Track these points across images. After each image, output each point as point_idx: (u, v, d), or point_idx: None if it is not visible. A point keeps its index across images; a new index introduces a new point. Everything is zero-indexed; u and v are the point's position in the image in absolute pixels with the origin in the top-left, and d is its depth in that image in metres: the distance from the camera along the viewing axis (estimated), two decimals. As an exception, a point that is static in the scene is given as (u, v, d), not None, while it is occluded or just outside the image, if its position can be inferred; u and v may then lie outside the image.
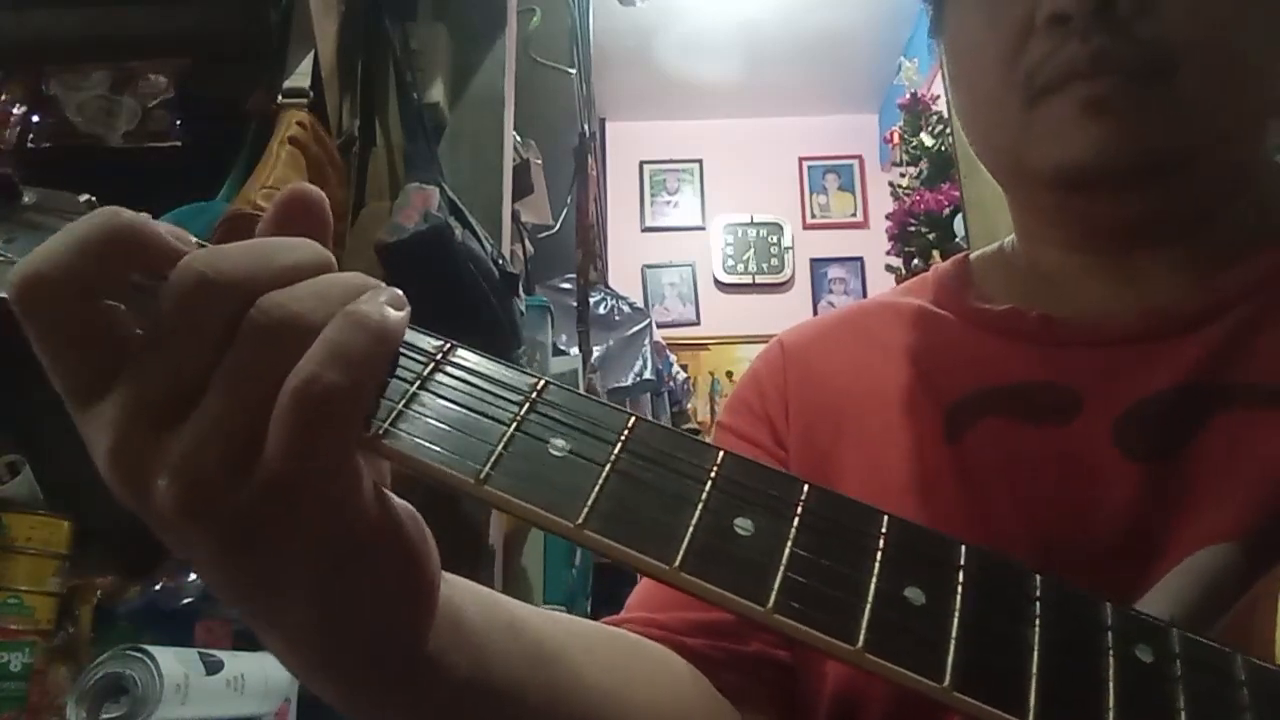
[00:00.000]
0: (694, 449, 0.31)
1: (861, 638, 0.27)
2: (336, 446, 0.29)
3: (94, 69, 1.44)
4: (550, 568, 1.88)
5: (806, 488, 0.30)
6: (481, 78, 1.62)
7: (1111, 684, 0.27)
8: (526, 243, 2.21)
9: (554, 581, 1.83)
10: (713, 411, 4.33)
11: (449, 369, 0.32)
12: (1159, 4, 0.48)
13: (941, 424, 0.54)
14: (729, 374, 4.41)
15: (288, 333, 0.29)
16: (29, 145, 1.44)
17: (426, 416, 0.31)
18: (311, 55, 1.31)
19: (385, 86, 1.44)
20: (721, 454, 0.31)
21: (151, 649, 0.84)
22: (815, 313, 4.51)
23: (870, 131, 4.56)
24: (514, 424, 0.31)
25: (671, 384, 3.62)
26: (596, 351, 3.10)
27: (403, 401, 0.31)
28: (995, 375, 0.55)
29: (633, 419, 0.31)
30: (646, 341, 3.39)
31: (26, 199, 0.37)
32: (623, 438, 0.31)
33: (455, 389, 0.32)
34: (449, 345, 0.33)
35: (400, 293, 0.32)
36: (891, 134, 3.52)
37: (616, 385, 3.20)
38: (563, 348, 2.63)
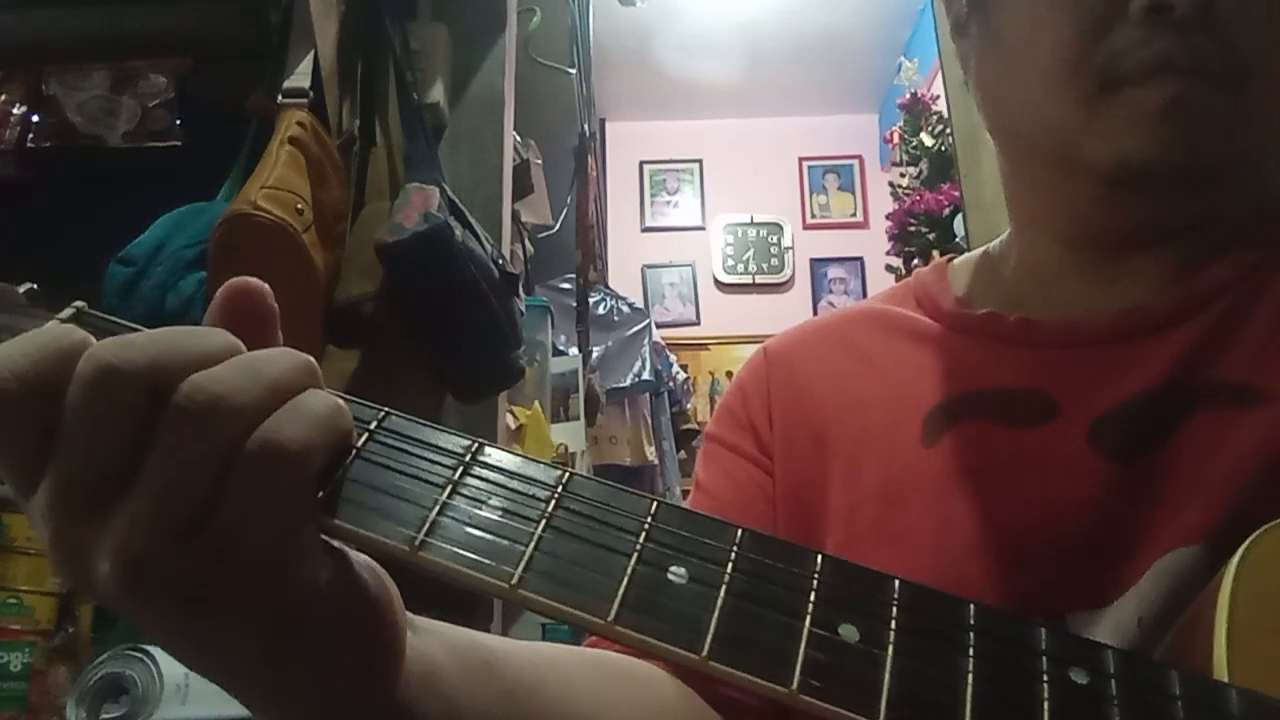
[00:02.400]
0: (628, 500, 0.32)
1: (796, 680, 0.27)
2: (293, 505, 0.30)
3: (94, 69, 1.44)
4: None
5: (740, 532, 0.31)
6: (481, 78, 1.62)
7: (1046, 708, 0.27)
8: (526, 243, 2.22)
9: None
10: (712, 411, 4.33)
11: (383, 437, 0.33)
12: (1254, 13, 0.47)
13: (919, 428, 0.55)
14: (729, 374, 4.40)
15: (217, 414, 0.30)
16: (29, 145, 1.44)
17: (360, 485, 0.31)
18: (311, 55, 1.31)
19: (385, 86, 1.44)
20: (655, 504, 0.31)
21: (151, 649, 0.84)
22: (815, 313, 4.51)
23: (870, 131, 4.56)
24: (448, 488, 0.31)
25: (671, 384, 3.62)
26: (596, 352, 3.10)
27: (338, 473, 0.32)
28: (973, 379, 0.55)
29: (567, 474, 0.32)
30: (646, 342, 3.39)
31: None
32: (556, 494, 0.31)
33: (389, 456, 0.32)
34: (384, 413, 0.34)
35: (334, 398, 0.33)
36: (891, 134, 3.52)
37: (616, 385, 3.21)
38: (561, 348, 2.63)
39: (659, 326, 3.76)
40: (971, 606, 0.29)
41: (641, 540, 0.30)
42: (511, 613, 1.66)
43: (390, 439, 0.33)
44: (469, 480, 0.32)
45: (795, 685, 0.27)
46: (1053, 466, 0.49)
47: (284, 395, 0.31)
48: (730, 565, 0.30)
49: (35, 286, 0.38)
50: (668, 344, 3.77)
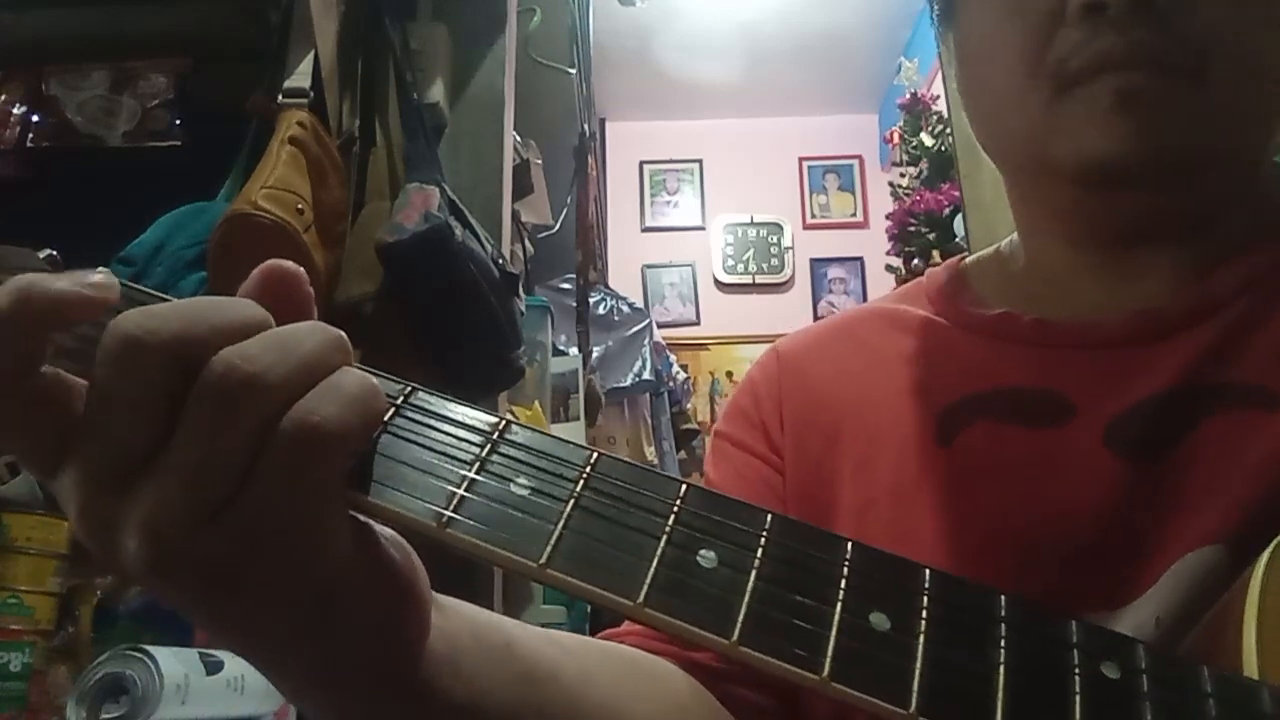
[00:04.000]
0: (657, 482, 0.31)
1: (827, 667, 0.27)
2: (325, 486, 0.29)
3: (94, 69, 1.44)
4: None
5: (770, 517, 0.30)
6: (481, 78, 1.62)
7: (1078, 702, 0.27)
8: (526, 243, 2.21)
9: (554, 581, 1.83)
10: (713, 411, 4.33)
11: (409, 412, 0.32)
12: (1195, 3, 0.47)
13: (934, 427, 0.54)
14: (729, 374, 4.40)
15: (249, 393, 0.29)
16: (29, 145, 1.44)
17: (386, 460, 0.31)
18: (311, 55, 1.31)
19: (385, 86, 1.44)
20: (684, 487, 0.31)
21: (151, 649, 0.84)
22: (815, 313, 4.51)
23: (870, 131, 4.56)
24: (476, 465, 0.31)
25: (671, 384, 3.62)
26: (596, 352, 3.09)
27: (369, 447, 0.31)
28: (988, 379, 0.55)
29: (595, 455, 0.32)
30: (646, 342, 3.39)
31: None
32: (585, 475, 0.31)
33: (415, 431, 0.32)
34: (410, 388, 0.33)
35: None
36: (891, 134, 3.52)
37: (616, 385, 3.20)
38: (561, 348, 2.63)
39: (659, 326, 3.76)
40: (1002, 598, 0.29)
41: (671, 523, 0.30)
42: (513, 599, 1.66)
43: (417, 414, 0.32)
44: (497, 458, 0.31)
45: (827, 673, 0.27)
46: (1069, 467, 0.49)
47: (317, 373, 0.30)
48: (760, 550, 0.29)
49: (55, 253, 0.37)
50: (668, 344, 3.77)
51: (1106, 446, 0.49)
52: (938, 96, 3.16)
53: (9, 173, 1.44)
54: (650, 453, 3.28)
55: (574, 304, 2.96)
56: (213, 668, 0.90)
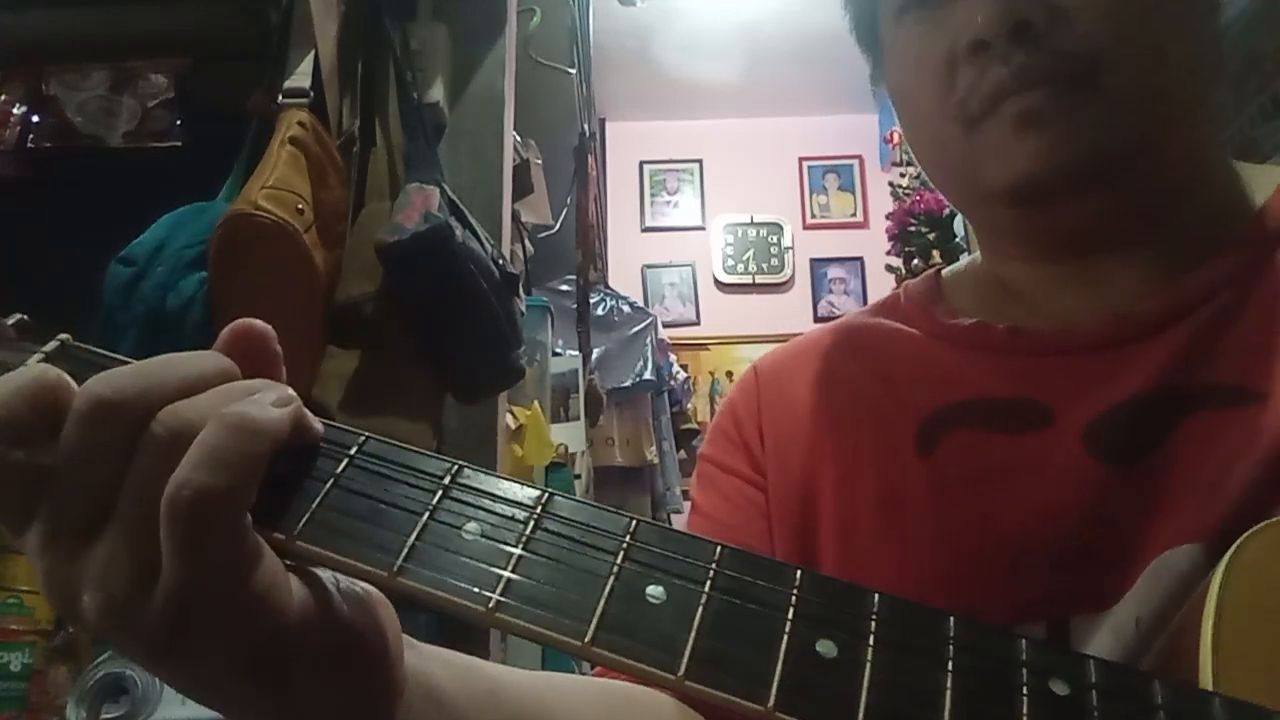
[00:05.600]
0: (607, 520, 0.32)
1: (773, 697, 0.27)
2: (221, 549, 0.29)
3: (94, 69, 1.44)
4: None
5: (719, 549, 0.31)
6: (481, 78, 1.62)
7: None
8: (526, 243, 2.21)
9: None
10: (713, 411, 4.33)
11: (362, 463, 0.33)
12: (1071, 16, 0.49)
13: (914, 438, 0.55)
14: (729, 374, 4.40)
15: (183, 442, 0.30)
16: (29, 145, 1.44)
17: (338, 513, 0.31)
18: (311, 55, 1.31)
19: (385, 86, 1.44)
20: (634, 522, 0.31)
21: (151, 649, 0.83)
22: (815, 312, 4.51)
23: (870, 131, 4.56)
24: (427, 513, 0.31)
25: (672, 384, 3.62)
26: (595, 352, 3.09)
27: (316, 502, 0.31)
28: (966, 389, 0.55)
29: (546, 494, 0.32)
30: (649, 341, 3.39)
31: None
32: (535, 514, 0.32)
33: (368, 483, 0.32)
34: (364, 439, 0.34)
35: (289, 392, 0.33)
36: (891, 134, 3.52)
37: (617, 385, 3.20)
38: (559, 350, 2.63)
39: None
40: (952, 619, 0.29)
41: (620, 560, 0.30)
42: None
43: (370, 464, 0.33)
44: (448, 504, 0.32)
45: (772, 703, 0.27)
46: (1050, 472, 0.50)
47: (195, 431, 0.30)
48: (709, 583, 0.30)
49: (25, 318, 0.38)
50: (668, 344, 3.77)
51: (1086, 450, 0.49)
52: (938, 96, 3.15)
53: (9, 173, 1.44)
54: (651, 453, 3.28)
55: (573, 306, 2.96)
56: (213, 668, 0.90)
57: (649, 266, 4.62)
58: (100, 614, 0.30)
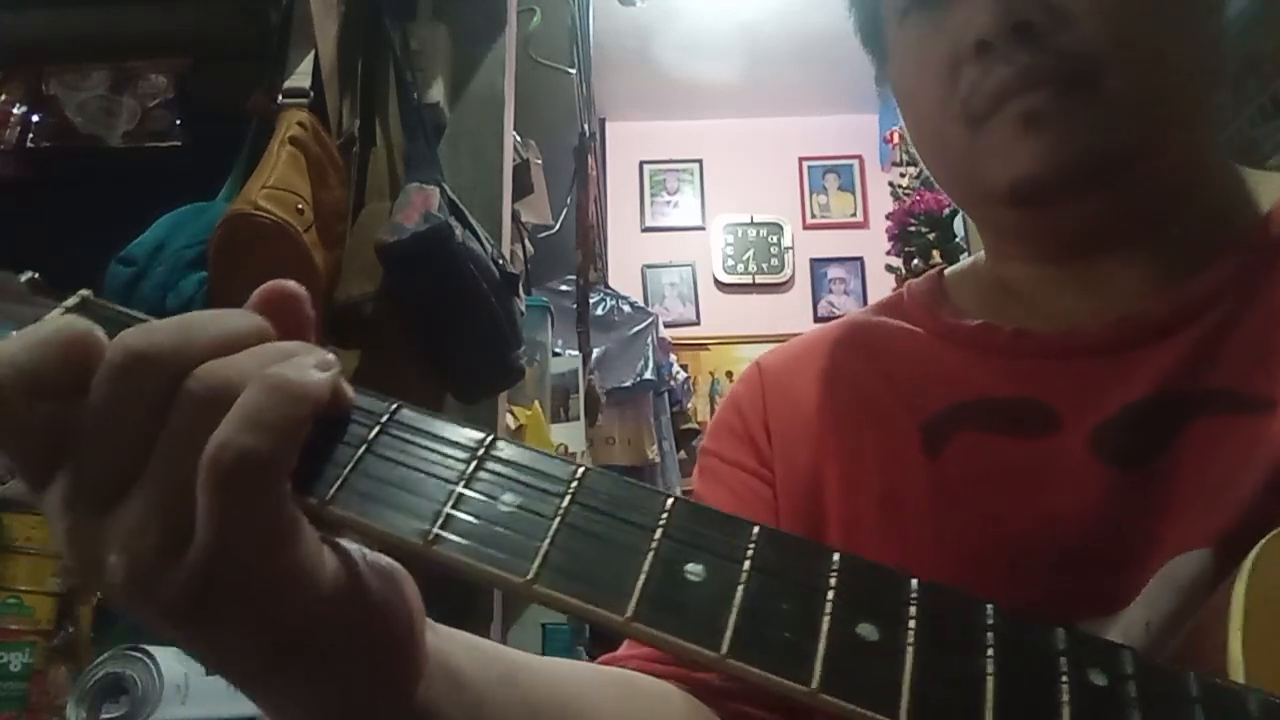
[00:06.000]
0: (643, 496, 0.31)
1: (816, 678, 0.27)
2: (259, 515, 0.28)
3: (94, 69, 1.44)
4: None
5: (756, 529, 0.30)
6: (481, 78, 1.62)
7: (1066, 709, 0.27)
8: (526, 243, 2.21)
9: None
10: (713, 412, 4.32)
11: (395, 430, 0.32)
12: (1073, 17, 0.50)
13: (919, 439, 0.55)
14: (729, 374, 4.40)
15: (221, 401, 0.29)
16: (29, 145, 1.44)
17: (372, 479, 0.31)
18: (311, 55, 1.31)
19: (385, 86, 1.44)
20: (671, 500, 0.31)
21: (151, 649, 0.84)
22: (815, 312, 4.51)
23: (870, 131, 4.56)
24: (462, 481, 0.31)
25: (672, 383, 3.62)
26: (595, 352, 3.10)
27: (349, 467, 0.31)
28: (971, 390, 0.55)
29: (582, 469, 0.32)
30: (650, 340, 3.39)
31: None
32: (571, 489, 0.31)
33: (401, 449, 0.32)
34: (395, 406, 0.33)
35: (329, 355, 0.32)
36: (891, 134, 3.52)
37: (618, 385, 3.20)
38: (559, 350, 2.63)
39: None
40: (989, 607, 0.29)
41: (658, 537, 0.30)
42: (511, 613, 1.66)
43: (402, 432, 0.32)
44: (482, 474, 0.31)
45: (816, 684, 0.27)
46: (1057, 476, 0.50)
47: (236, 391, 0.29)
48: (748, 562, 0.29)
49: (36, 275, 0.37)
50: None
51: (1092, 454, 0.49)
52: (938, 96, 3.15)
53: (9, 173, 1.44)
54: (652, 452, 3.28)
55: (573, 306, 2.96)
56: (213, 668, 0.90)
57: (649, 266, 4.62)
58: (125, 577, 0.29)
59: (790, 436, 0.61)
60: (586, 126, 3.02)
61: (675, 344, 4.09)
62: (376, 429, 0.32)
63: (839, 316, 0.72)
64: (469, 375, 1.36)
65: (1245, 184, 0.57)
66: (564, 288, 3.08)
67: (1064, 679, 0.27)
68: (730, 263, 4.62)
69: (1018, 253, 0.59)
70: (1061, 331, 0.54)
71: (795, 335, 0.70)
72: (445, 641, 0.37)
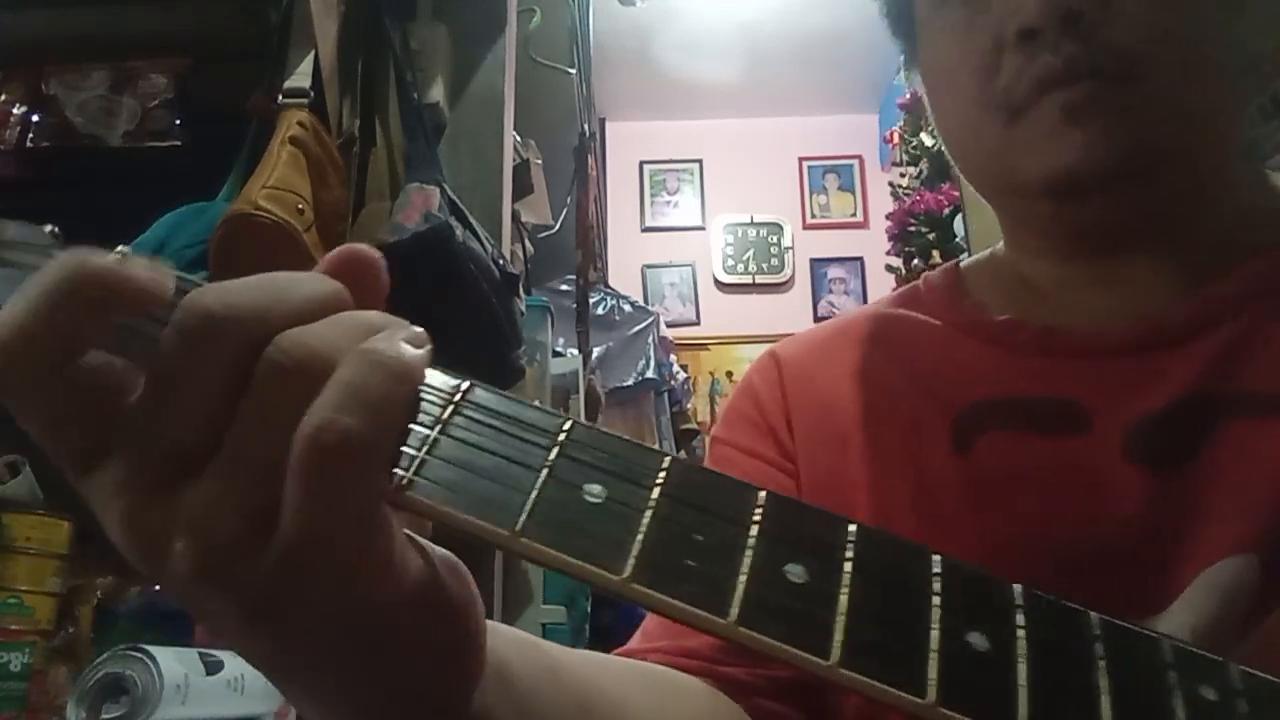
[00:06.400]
0: (733, 488, 0.29)
1: (932, 690, 0.25)
2: (358, 501, 0.26)
3: (94, 69, 1.44)
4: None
5: (854, 527, 0.28)
6: (481, 78, 1.62)
7: None
8: (526, 243, 2.21)
9: (554, 582, 1.83)
10: (712, 411, 4.33)
11: (469, 411, 0.30)
12: (1123, 10, 0.49)
13: (949, 434, 0.54)
14: (729, 374, 4.41)
15: (309, 374, 0.26)
16: (29, 145, 1.44)
17: (451, 464, 0.28)
18: (311, 55, 1.31)
19: (385, 86, 1.44)
20: (763, 494, 0.29)
21: (151, 649, 0.84)
22: (815, 312, 4.51)
23: (870, 131, 4.56)
24: (545, 470, 0.28)
25: (672, 384, 3.62)
26: (596, 352, 3.09)
27: (425, 449, 0.28)
28: (999, 387, 0.54)
29: (668, 459, 0.29)
30: (651, 340, 3.39)
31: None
32: (659, 481, 0.29)
33: (478, 432, 0.29)
34: (468, 385, 0.30)
35: (421, 331, 0.29)
36: (891, 134, 3.52)
37: (618, 385, 3.20)
38: (559, 350, 2.63)
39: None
40: (1094, 616, 0.28)
41: (754, 534, 0.28)
42: (512, 598, 1.66)
43: (476, 412, 0.30)
44: (564, 461, 0.29)
45: (933, 697, 0.25)
46: (1091, 477, 0.49)
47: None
48: (850, 564, 0.28)
49: (57, 229, 0.34)
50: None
51: (1125, 456, 0.49)
52: (938, 96, 3.15)
53: (9, 173, 1.43)
54: (652, 452, 3.27)
55: (573, 306, 2.96)
56: (213, 668, 0.90)
57: (649, 266, 4.62)
58: (197, 565, 0.25)
59: (813, 432, 0.59)
60: (586, 126, 3.02)
61: (675, 344, 4.09)
62: (450, 408, 0.29)
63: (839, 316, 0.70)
64: (469, 375, 1.36)
65: (1272, 186, 0.56)
66: (564, 288, 3.07)
67: (1178, 693, 0.26)
68: (730, 263, 4.63)
69: (1042, 247, 0.58)
70: (1089, 330, 0.54)
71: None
72: (493, 637, 0.34)
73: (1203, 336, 0.50)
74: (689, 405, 3.96)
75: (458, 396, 0.30)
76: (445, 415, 0.29)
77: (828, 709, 0.54)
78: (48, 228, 0.35)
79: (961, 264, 0.65)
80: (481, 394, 0.30)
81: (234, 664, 0.94)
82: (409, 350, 0.28)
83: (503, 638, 0.36)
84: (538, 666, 0.37)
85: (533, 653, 0.38)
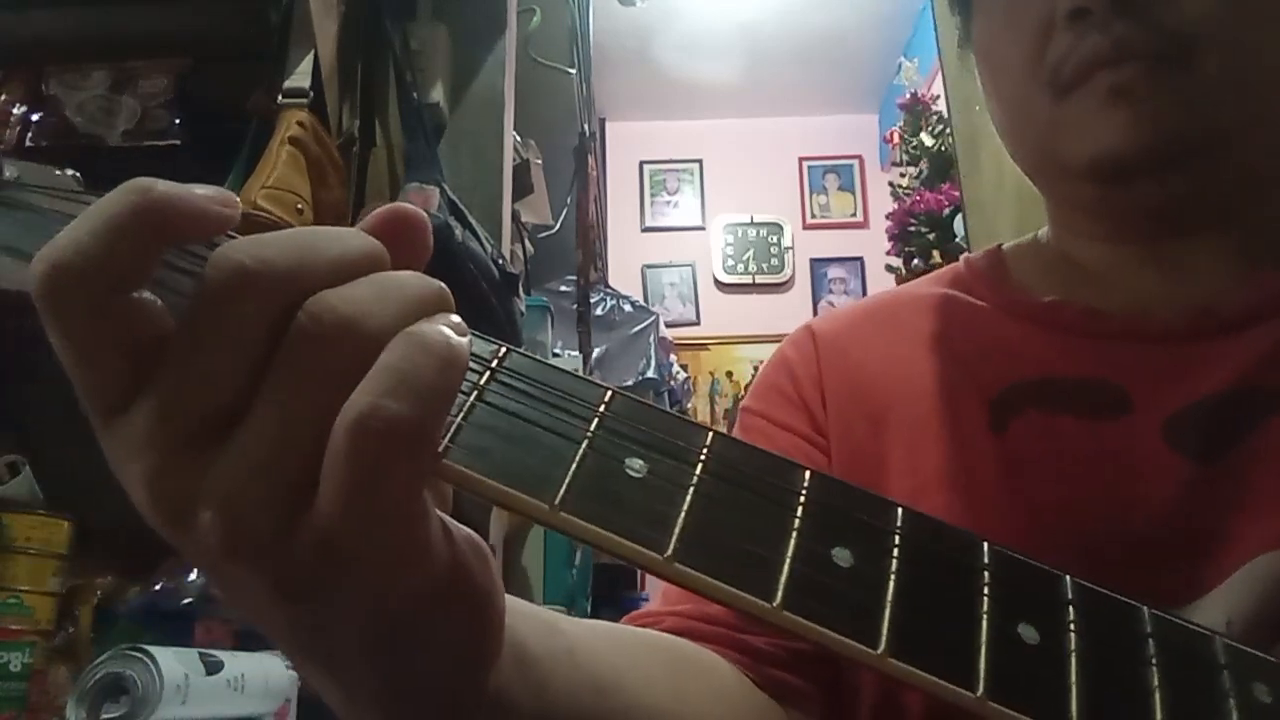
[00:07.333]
0: (778, 467, 0.28)
1: (981, 684, 0.24)
2: (401, 489, 0.25)
3: (94, 69, 1.44)
4: (550, 567, 1.88)
5: (901, 512, 0.28)
6: (481, 78, 1.62)
7: None
8: (526, 243, 2.21)
9: (554, 581, 1.83)
10: (713, 411, 4.33)
11: (505, 377, 0.28)
12: None
13: (986, 414, 0.54)
14: (729, 374, 4.41)
15: (343, 340, 0.25)
16: (29, 145, 1.44)
17: (488, 432, 0.27)
18: (311, 55, 1.31)
19: (385, 86, 1.44)
20: (808, 473, 0.28)
21: (151, 649, 0.84)
22: (815, 313, 4.51)
23: (870, 131, 4.56)
24: (585, 442, 0.27)
25: (672, 383, 3.62)
26: (596, 352, 3.09)
27: (461, 415, 0.27)
28: (1039, 367, 0.54)
29: (710, 434, 0.28)
30: (651, 339, 3.39)
31: (6, 174, 0.32)
32: (702, 456, 0.28)
33: (516, 401, 0.28)
34: (505, 350, 0.29)
35: (459, 319, 0.28)
36: (891, 134, 3.52)
37: (619, 385, 3.19)
38: (559, 350, 2.63)
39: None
40: (1146, 611, 0.27)
41: (800, 517, 0.27)
42: (511, 577, 1.66)
43: (514, 379, 0.28)
44: (604, 434, 0.28)
45: (982, 690, 0.24)
46: (1129, 462, 0.49)
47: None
48: (896, 550, 0.27)
49: (78, 174, 0.33)
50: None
51: (1166, 443, 0.48)
52: (938, 96, 3.15)
53: (9, 173, 1.43)
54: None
55: (573, 305, 2.96)
56: (213, 668, 0.90)
57: (649, 266, 4.62)
58: (225, 537, 0.24)
59: (848, 407, 0.59)
60: (586, 126, 3.02)
61: (675, 344, 4.09)
62: (486, 374, 0.28)
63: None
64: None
65: None
66: (564, 288, 3.07)
67: (1232, 694, 0.26)
68: (730, 263, 4.63)
69: (1089, 230, 0.57)
70: (1134, 314, 0.53)
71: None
72: (514, 618, 0.33)
73: (1257, 326, 0.50)
74: (689, 405, 3.96)
75: (494, 362, 0.29)
76: (482, 381, 0.28)
77: (844, 684, 0.53)
78: (68, 171, 0.33)
79: (1004, 247, 0.65)
80: (519, 359, 0.29)
81: (234, 664, 0.94)
82: (455, 336, 0.26)
83: (522, 617, 0.35)
84: (555, 648, 0.37)
85: (550, 633, 0.37)
